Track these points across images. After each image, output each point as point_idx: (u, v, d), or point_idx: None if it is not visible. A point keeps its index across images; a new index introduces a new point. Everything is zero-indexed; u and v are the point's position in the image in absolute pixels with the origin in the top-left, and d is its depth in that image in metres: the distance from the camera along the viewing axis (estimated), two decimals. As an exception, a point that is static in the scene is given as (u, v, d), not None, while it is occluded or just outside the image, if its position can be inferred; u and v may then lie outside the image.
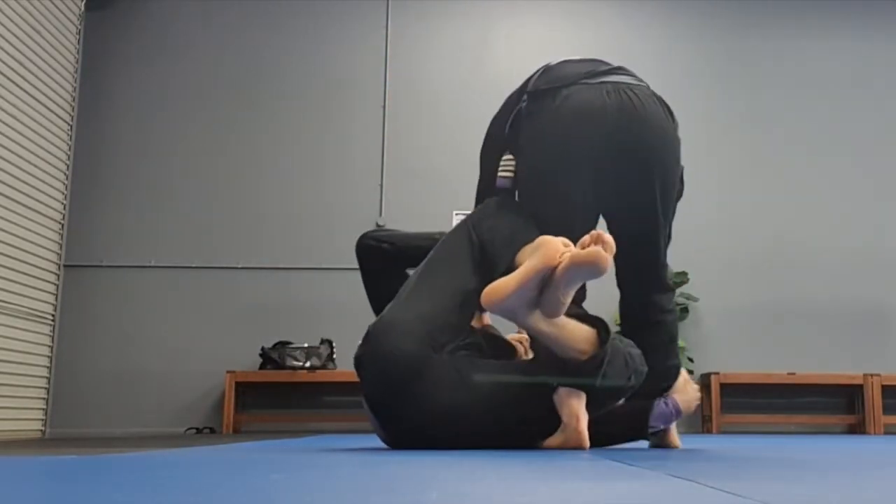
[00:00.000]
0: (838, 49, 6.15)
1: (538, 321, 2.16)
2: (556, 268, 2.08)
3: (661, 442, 2.52)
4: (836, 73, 6.12)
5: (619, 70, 2.47)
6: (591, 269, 2.07)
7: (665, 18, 6.16)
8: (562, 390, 2.19)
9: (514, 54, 6.09)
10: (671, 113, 2.44)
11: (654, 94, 2.44)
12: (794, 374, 5.54)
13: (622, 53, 6.10)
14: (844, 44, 6.16)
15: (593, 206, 2.40)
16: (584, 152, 2.36)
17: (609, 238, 2.07)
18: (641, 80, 2.47)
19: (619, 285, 2.53)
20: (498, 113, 2.57)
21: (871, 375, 5.46)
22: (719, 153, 6.01)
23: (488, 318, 2.62)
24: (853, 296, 5.84)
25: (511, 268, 2.22)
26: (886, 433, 5.42)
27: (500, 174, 2.49)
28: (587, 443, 2.17)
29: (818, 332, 5.78)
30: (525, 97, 2.46)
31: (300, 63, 6.04)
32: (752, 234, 5.89)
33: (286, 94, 5.99)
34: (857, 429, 5.59)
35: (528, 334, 2.37)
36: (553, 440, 2.22)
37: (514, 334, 2.59)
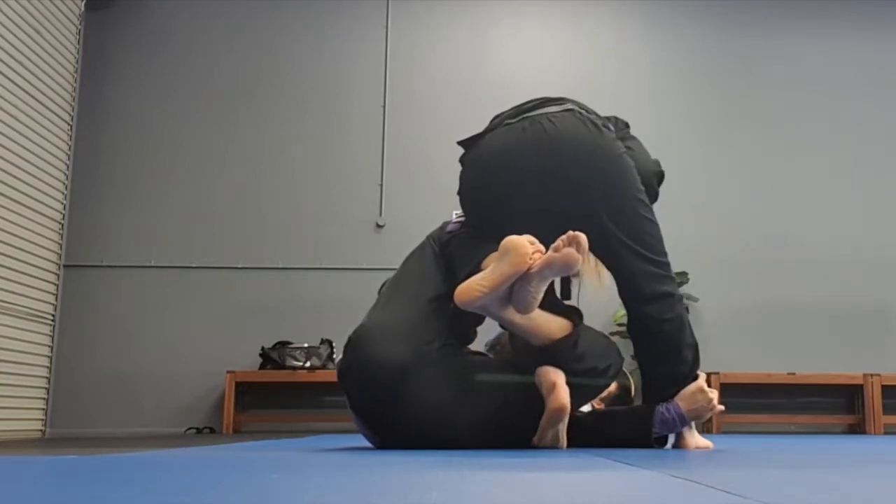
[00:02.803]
0: (839, 48, 6.15)
1: (511, 314, 2.19)
2: (526, 270, 2.11)
3: (679, 444, 2.50)
4: (837, 72, 6.12)
5: (548, 102, 2.47)
6: (563, 268, 2.12)
7: (663, 18, 6.16)
8: (539, 369, 2.23)
9: (514, 54, 6.10)
10: (597, 125, 2.41)
11: (582, 114, 2.42)
12: (794, 374, 5.54)
13: (620, 53, 6.16)
14: (845, 43, 6.16)
15: (539, 237, 2.32)
16: (511, 189, 2.38)
17: (582, 237, 2.09)
18: (573, 106, 2.46)
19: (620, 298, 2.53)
20: None
21: (871, 375, 5.46)
22: (719, 153, 6.01)
23: None
24: (853, 296, 5.84)
25: (476, 271, 2.23)
26: (886, 433, 5.42)
27: (452, 220, 2.55)
28: (567, 404, 2.18)
29: (818, 332, 5.78)
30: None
31: (300, 63, 6.04)
32: (752, 234, 5.89)
33: (286, 94, 5.99)
34: (857, 429, 5.59)
35: (503, 327, 2.40)
36: (541, 423, 2.23)
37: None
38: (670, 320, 2.42)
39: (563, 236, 2.11)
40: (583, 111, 2.46)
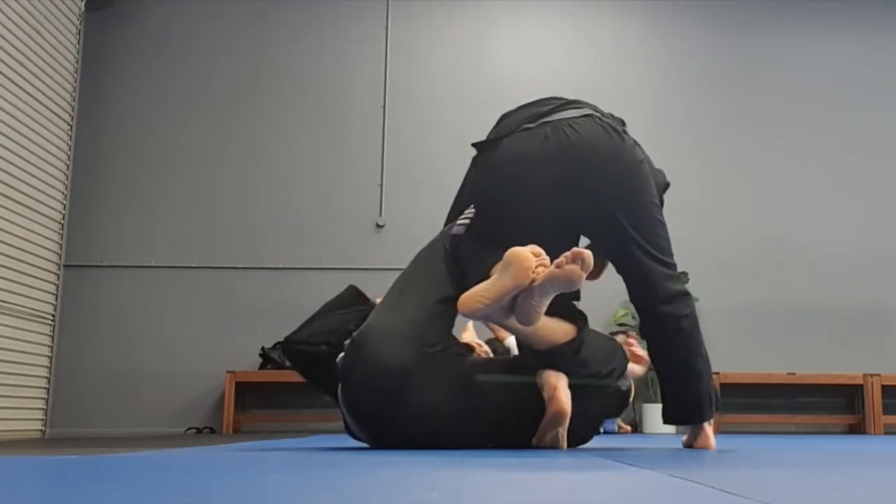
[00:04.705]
0: (839, 48, 6.15)
1: (515, 322, 2.19)
2: (529, 284, 2.10)
3: (695, 440, 2.53)
4: (837, 72, 6.12)
5: (566, 106, 2.45)
6: (566, 284, 2.11)
7: (663, 18, 6.16)
8: (541, 372, 2.24)
9: (514, 54, 6.10)
10: (618, 132, 2.41)
11: (601, 120, 2.41)
12: (794, 374, 5.54)
13: (620, 53, 6.16)
14: (845, 43, 6.16)
15: (555, 243, 2.31)
16: (532, 196, 2.36)
17: (588, 254, 2.08)
18: (592, 111, 2.44)
19: (631, 301, 2.54)
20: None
21: (871, 375, 5.46)
22: (719, 153, 6.01)
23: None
24: (853, 296, 5.83)
25: (486, 277, 2.22)
26: (886, 433, 5.42)
27: (458, 222, 2.52)
28: (568, 408, 2.18)
29: (818, 332, 5.78)
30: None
31: (300, 63, 6.04)
32: (752, 234, 5.89)
33: (286, 95, 5.99)
34: (857, 429, 5.59)
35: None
36: (541, 425, 2.23)
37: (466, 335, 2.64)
38: (687, 316, 2.47)
39: (567, 252, 2.09)
40: (602, 116, 2.44)
